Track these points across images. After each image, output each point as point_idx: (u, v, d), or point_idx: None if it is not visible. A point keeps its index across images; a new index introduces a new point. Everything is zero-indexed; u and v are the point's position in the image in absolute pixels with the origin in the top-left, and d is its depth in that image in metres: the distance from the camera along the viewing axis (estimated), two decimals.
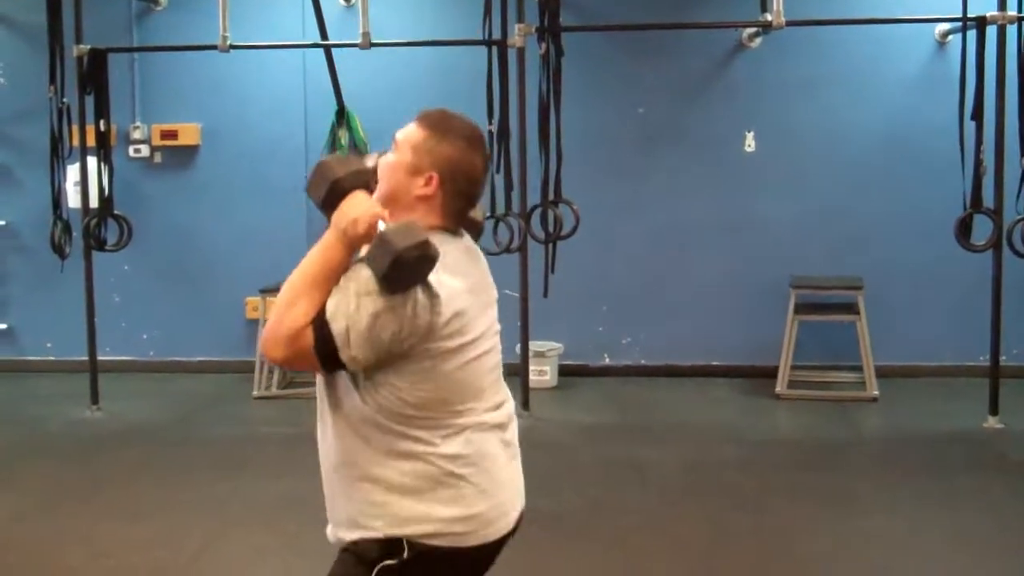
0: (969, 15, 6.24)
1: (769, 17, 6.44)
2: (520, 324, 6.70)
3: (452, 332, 2.31)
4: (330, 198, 2.29)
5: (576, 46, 6.75)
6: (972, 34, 6.22)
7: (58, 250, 6.88)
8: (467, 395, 2.40)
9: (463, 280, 2.37)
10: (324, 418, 2.41)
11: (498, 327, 2.60)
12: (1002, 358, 6.52)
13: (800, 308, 7.19)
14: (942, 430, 6.41)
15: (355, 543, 2.37)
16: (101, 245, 6.96)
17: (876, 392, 7.00)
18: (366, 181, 2.32)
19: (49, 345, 8.19)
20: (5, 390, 7.72)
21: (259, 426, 6.68)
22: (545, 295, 6.55)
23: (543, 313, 6.95)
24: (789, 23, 6.32)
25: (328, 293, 2.24)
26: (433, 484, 2.34)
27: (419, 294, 2.23)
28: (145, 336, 8.14)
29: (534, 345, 7.13)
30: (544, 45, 6.33)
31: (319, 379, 2.40)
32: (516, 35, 6.44)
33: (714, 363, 7.76)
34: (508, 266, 6.68)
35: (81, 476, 5.73)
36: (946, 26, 7.28)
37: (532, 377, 6.99)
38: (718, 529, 4.84)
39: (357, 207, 2.26)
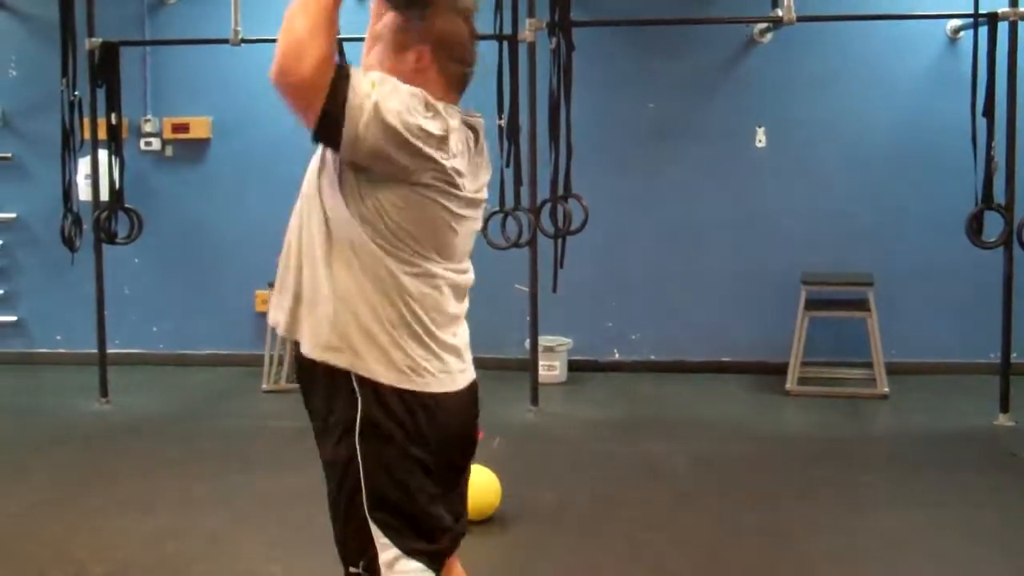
0: (981, 11, 6.23)
1: (780, 13, 6.43)
2: (529, 319, 6.70)
3: (446, 180, 2.34)
4: None
5: (586, 41, 6.74)
6: (984, 30, 6.20)
7: (68, 243, 6.89)
8: (440, 245, 2.41)
9: (462, 158, 2.40)
10: (308, 223, 2.43)
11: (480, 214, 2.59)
12: (1013, 355, 6.49)
13: (810, 304, 7.17)
14: (953, 427, 6.39)
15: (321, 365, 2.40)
16: (111, 238, 6.97)
17: (886, 389, 6.99)
18: None
19: (59, 337, 8.21)
20: (15, 382, 7.74)
21: (268, 419, 6.68)
22: (554, 290, 6.55)
23: (552, 308, 6.95)
24: (800, 19, 6.31)
25: (335, 32, 2.23)
26: (394, 329, 2.37)
27: (435, 125, 2.26)
28: (155, 329, 8.16)
29: (543, 340, 7.13)
30: (555, 40, 6.31)
31: (306, 190, 2.46)
32: (527, 30, 6.43)
33: (724, 359, 7.75)
34: (517, 261, 6.69)
35: (90, 469, 5.74)
36: (957, 22, 7.26)
37: (541, 372, 6.98)
38: (727, 525, 4.83)
39: None
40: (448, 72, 2.42)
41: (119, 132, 6.90)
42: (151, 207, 7.51)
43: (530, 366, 6.78)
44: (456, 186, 2.37)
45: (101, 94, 6.81)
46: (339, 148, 2.26)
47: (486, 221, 6.44)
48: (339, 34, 2.29)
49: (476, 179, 2.50)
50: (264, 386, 7.21)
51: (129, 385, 7.30)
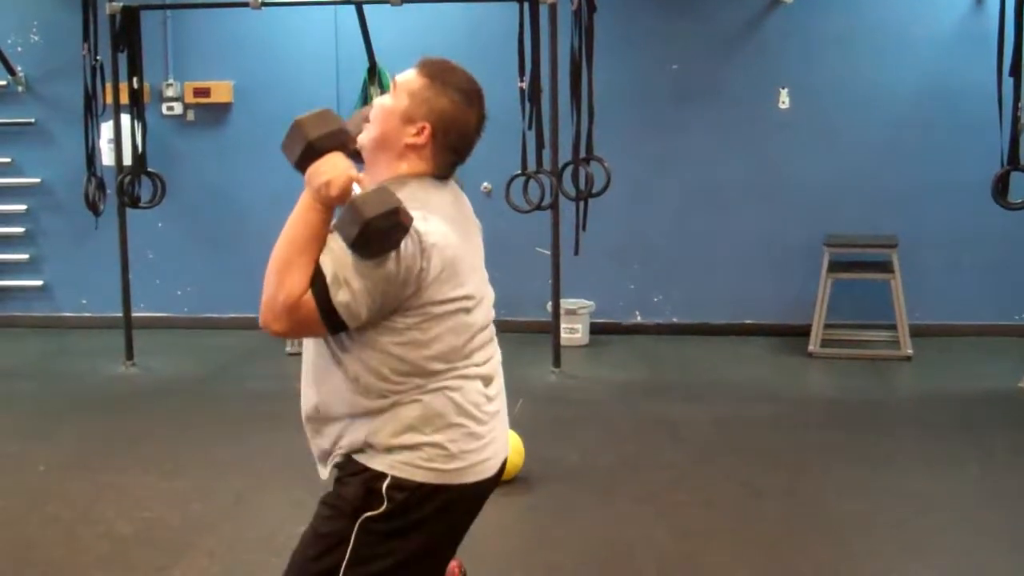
0: None
1: None
2: (551, 282, 6.70)
3: (444, 279, 2.30)
4: (304, 160, 2.27)
5: (608, 2, 6.69)
6: None
7: (92, 207, 6.93)
8: (454, 355, 2.39)
9: (452, 227, 2.36)
10: (315, 369, 2.45)
11: (491, 292, 2.56)
12: None
13: (834, 266, 7.15)
14: (977, 389, 6.37)
15: (340, 466, 2.44)
16: (135, 202, 7.00)
17: (910, 351, 6.97)
18: (342, 142, 2.29)
19: (84, 301, 8.26)
20: (41, 346, 7.80)
21: (292, 381, 6.62)
22: (576, 253, 6.54)
23: (574, 271, 6.94)
24: None
25: (316, 255, 2.25)
26: (416, 426, 2.36)
27: (408, 244, 2.22)
28: (179, 292, 8.20)
29: (565, 303, 7.13)
30: (576, 1, 6.28)
31: (307, 341, 2.44)
32: None
33: (747, 321, 7.74)
34: (539, 224, 6.69)
35: (117, 430, 5.80)
36: None
37: (563, 335, 6.99)
38: (750, 487, 4.85)
39: (331, 169, 2.24)
40: (441, 159, 2.40)
41: (141, 97, 6.91)
42: (174, 172, 7.53)
43: (552, 329, 6.79)
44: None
45: (123, 59, 6.81)
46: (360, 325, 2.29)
47: (508, 184, 6.45)
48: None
49: (470, 244, 2.47)
50: (288, 348, 7.24)
51: (154, 348, 7.35)
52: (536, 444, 5.02)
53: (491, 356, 2.52)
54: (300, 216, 2.29)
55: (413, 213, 2.22)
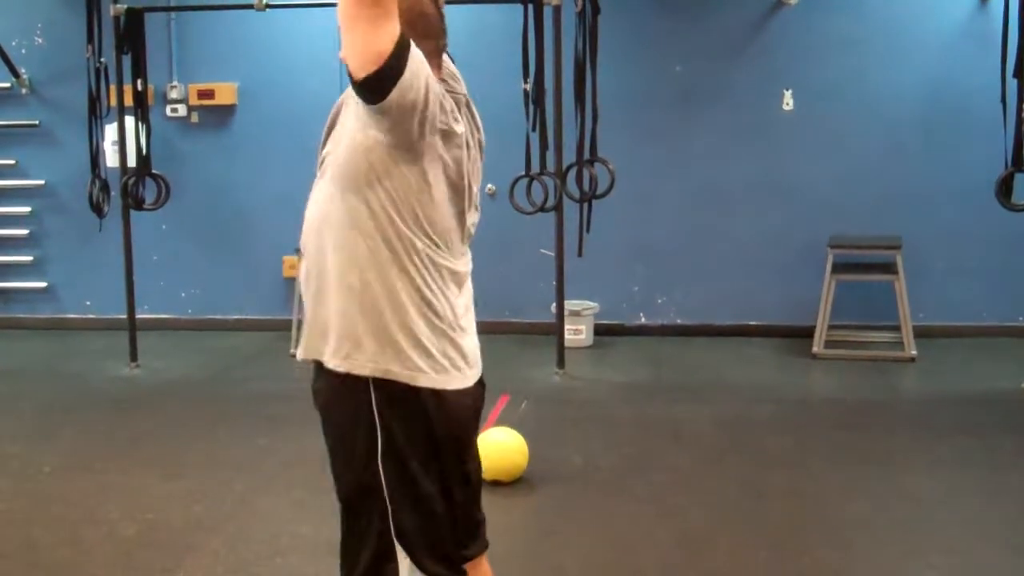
0: None
1: None
2: (556, 283, 6.70)
3: (448, 110, 2.41)
4: None
5: (612, 4, 6.70)
6: None
7: (96, 209, 6.93)
8: (446, 229, 2.46)
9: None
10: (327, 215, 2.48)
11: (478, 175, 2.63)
12: None
13: (838, 267, 7.14)
14: (981, 391, 6.36)
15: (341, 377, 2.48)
16: (139, 204, 7.00)
17: (914, 352, 6.97)
18: None
19: (88, 303, 8.27)
20: (46, 347, 7.81)
21: (296, 383, 6.69)
22: (580, 254, 6.54)
23: (578, 272, 6.95)
24: None
25: None
26: (414, 323, 2.41)
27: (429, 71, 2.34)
28: (183, 294, 8.21)
29: (569, 304, 7.13)
30: (580, 3, 6.28)
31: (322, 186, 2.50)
32: None
33: (750, 322, 7.74)
34: (543, 225, 6.69)
35: (120, 432, 5.80)
36: None
37: (568, 336, 6.99)
38: (754, 488, 4.84)
39: None
40: (423, 49, 2.41)
41: (145, 99, 6.92)
42: (178, 173, 7.54)
43: (556, 330, 6.79)
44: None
45: (127, 61, 6.82)
46: (385, 97, 2.30)
47: (512, 186, 6.44)
48: None
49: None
50: (292, 350, 7.24)
51: (158, 350, 7.37)
52: (540, 445, 5.02)
53: (467, 255, 2.61)
54: None
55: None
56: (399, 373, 2.42)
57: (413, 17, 2.41)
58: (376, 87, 2.28)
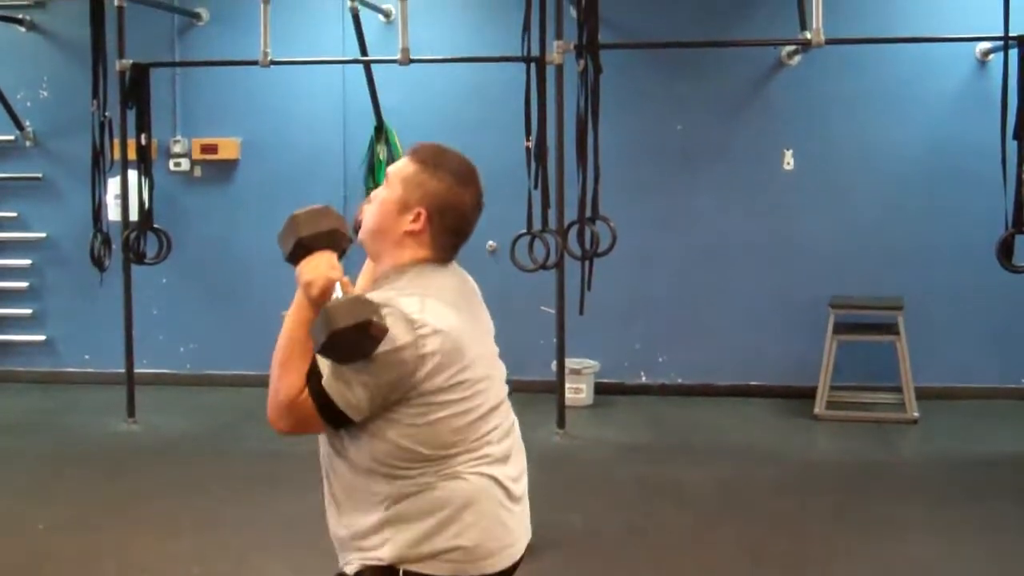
0: (1011, 34, 6.17)
1: (808, 35, 6.39)
2: (556, 341, 6.68)
3: (445, 365, 2.26)
4: (294, 256, 2.32)
5: (614, 63, 6.72)
6: (1014, 52, 6.13)
7: (97, 263, 6.92)
8: (464, 439, 2.33)
9: (452, 311, 2.32)
10: (331, 468, 2.46)
11: (502, 369, 2.51)
12: None
13: (839, 328, 7.12)
14: (983, 453, 6.33)
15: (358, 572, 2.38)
16: (140, 258, 7.00)
17: (916, 414, 6.93)
18: (335, 240, 2.30)
19: (87, 357, 8.25)
20: (43, 401, 7.78)
21: (295, 442, 6.63)
22: (581, 312, 6.51)
23: (579, 330, 6.92)
24: (829, 41, 6.26)
25: (312, 352, 2.27)
26: (432, 516, 2.31)
27: (404, 334, 2.19)
28: (182, 349, 8.18)
29: (570, 363, 7.10)
30: (582, 62, 6.30)
31: (321, 437, 2.43)
32: (554, 52, 6.42)
33: (751, 382, 7.71)
34: (545, 283, 6.68)
35: (117, 489, 5.76)
36: (987, 44, 7.20)
37: (568, 395, 6.95)
38: (755, 551, 4.80)
39: (314, 270, 2.28)
40: (440, 241, 2.38)
41: (149, 153, 6.94)
42: (180, 228, 7.55)
43: (557, 388, 6.76)
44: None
45: (131, 115, 6.85)
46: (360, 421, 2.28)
47: (513, 243, 6.44)
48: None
49: (475, 329, 2.43)
50: None
51: (156, 405, 7.33)
52: (540, 508, 4.91)
53: (508, 433, 2.47)
54: (294, 314, 2.33)
55: (409, 300, 2.23)
56: None
57: (445, 207, 2.35)
58: (334, 420, 2.29)
